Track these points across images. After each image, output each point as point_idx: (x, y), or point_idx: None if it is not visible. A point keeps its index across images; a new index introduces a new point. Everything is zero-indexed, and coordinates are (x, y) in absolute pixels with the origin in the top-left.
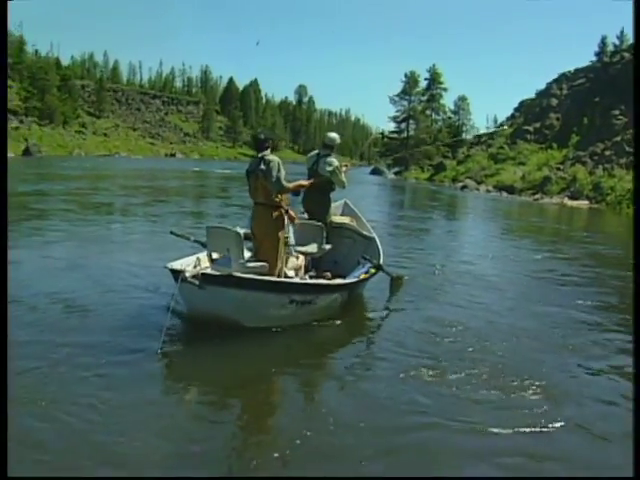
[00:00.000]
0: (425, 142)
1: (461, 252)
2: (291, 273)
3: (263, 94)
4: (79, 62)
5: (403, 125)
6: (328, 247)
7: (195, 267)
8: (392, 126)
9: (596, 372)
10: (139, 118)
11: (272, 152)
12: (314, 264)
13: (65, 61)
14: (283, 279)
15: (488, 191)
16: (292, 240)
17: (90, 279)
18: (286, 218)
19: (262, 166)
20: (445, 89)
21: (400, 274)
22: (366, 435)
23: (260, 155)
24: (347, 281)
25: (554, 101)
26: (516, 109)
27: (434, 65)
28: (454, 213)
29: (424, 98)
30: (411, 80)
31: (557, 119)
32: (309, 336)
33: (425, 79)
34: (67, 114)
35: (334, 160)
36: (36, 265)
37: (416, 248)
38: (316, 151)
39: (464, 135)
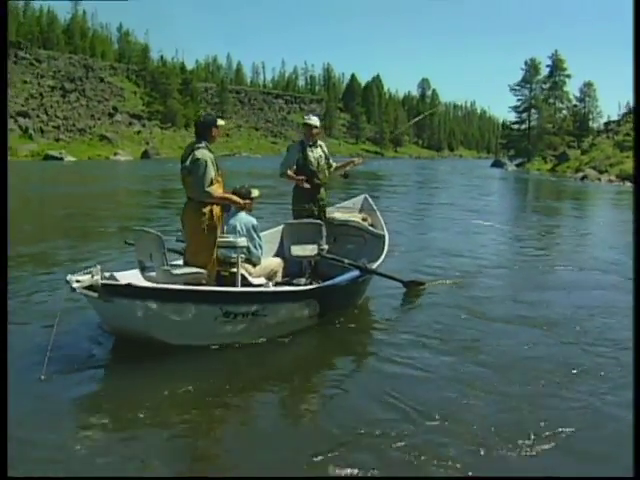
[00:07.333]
0: (548, 132)
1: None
2: (258, 281)
3: (386, 89)
4: (203, 65)
5: (524, 115)
6: (326, 247)
7: (93, 276)
8: (513, 116)
9: None
10: (262, 118)
11: (211, 142)
12: (314, 268)
13: (190, 65)
14: (205, 287)
15: (610, 181)
16: (257, 243)
17: None
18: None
19: (188, 163)
20: (569, 76)
21: (420, 280)
22: None
23: (193, 146)
24: (305, 288)
25: None
26: None
27: (556, 51)
28: (553, 211)
29: (546, 86)
30: (532, 68)
31: None
32: (251, 357)
33: (547, 66)
34: (189, 117)
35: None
36: None
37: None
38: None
39: (590, 123)
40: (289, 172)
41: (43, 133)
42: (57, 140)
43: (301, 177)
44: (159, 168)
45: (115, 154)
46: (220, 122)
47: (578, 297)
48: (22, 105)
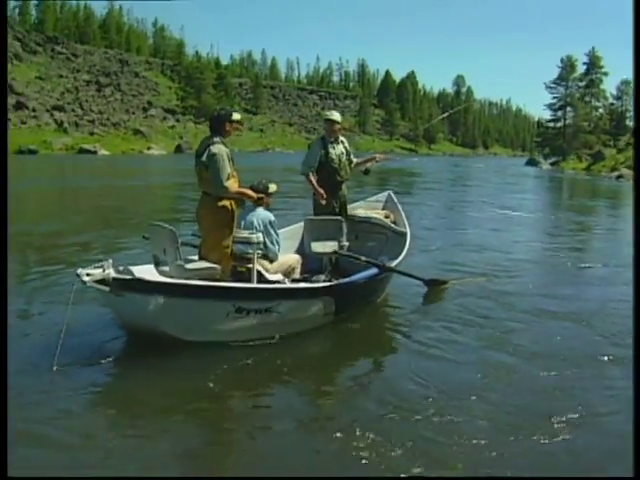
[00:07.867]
0: (584, 130)
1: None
2: (275, 277)
3: (420, 86)
4: (238, 61)
5: (560, 113)
6: (347, 244)
7: (105, 270)
8: (548, 114)
9: None
10: (296, 113)
11: (225, 136)
12: (335, 265)
13: (225, 60)
14: (217, 283)
15: None
16: (274, 239)
17: None
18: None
19: (204, 158)
20: (605, 73)
21: (443, 278)
22: None
23: (209, 141)
24: (320, 285)
25: None
26: None
27: (593, 48)
28: (586, 209)
29: (582, 84)
30: (568, 65)
31: None
32: (264, 353)
33: (583, 63)
34: None
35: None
36: None
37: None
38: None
39: (628, 122)
40: (311, 177)
41: (78, 127)
42: (91, 134)
43: (321, 191)
44: (192, 162)
45: (148, 148)
46: (235, 116)
47: (607, 292)
48: (58, 99)
